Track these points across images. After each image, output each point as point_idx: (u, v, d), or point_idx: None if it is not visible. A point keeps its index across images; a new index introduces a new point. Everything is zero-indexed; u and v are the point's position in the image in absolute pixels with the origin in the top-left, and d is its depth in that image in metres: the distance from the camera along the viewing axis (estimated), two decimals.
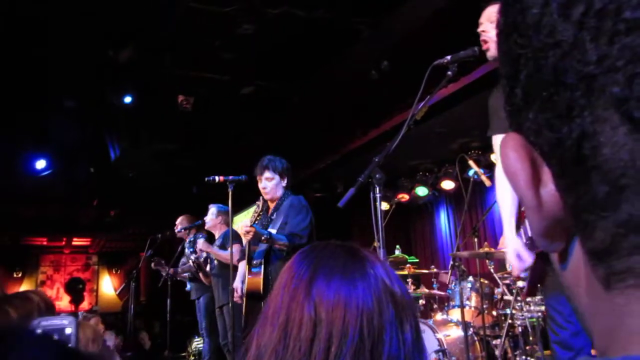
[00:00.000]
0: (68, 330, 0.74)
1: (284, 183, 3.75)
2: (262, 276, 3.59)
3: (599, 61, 0.25)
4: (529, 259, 2.01)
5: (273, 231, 3.56)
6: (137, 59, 5.40)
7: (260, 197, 3.82)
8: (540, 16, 0.27)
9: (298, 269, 0.80)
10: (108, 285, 12.91)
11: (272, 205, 3.81)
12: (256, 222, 3.69)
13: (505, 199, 2.24)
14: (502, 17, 0.31)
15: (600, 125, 0.26)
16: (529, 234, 2.10)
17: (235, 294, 3.94)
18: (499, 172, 2.43)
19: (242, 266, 4.01)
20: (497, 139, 2.35)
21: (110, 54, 5.37)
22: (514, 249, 2.08)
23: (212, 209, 5.33)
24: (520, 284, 2.02)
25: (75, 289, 12.50)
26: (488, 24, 2.26)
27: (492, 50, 2.24)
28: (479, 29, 2.31)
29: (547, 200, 0.30)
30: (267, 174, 3.70)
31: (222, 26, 4.92)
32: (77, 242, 12.50)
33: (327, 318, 0.75)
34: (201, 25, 4.90)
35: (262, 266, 3.61)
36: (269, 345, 0.76)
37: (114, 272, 12.96)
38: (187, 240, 5.75)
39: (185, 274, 5.77)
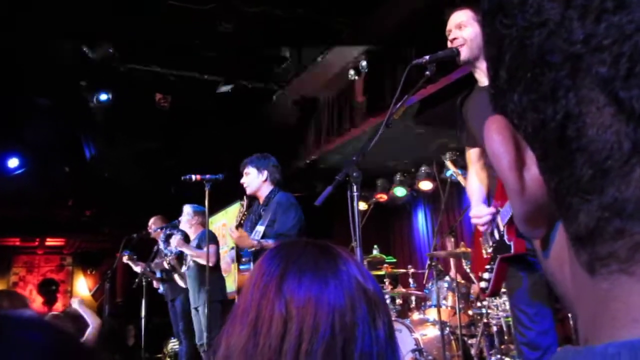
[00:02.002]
0: None
1: (263, 177, 3.79)
2: None
3: (585, 40, 0.24)
4: (487, 216, 2.26)
5: (261, 229, 3.59)
6: (114, 56, 5.31)
7: (245, 197, 3.83)
8: None
9: (268, 267, 0.79)
10: (83, 287, 12.67)
11: (261, 202, 3.83)
12: (242, 222, 3.68)
13: (474, 190, 2.44)
14: None
15: (586, 106, 0.25)
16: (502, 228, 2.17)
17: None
18: (470, 169, 2.52)
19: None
20: (467, 152, 2.52)
21: (86, 51, 5.27)
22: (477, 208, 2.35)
23: (187, 209, 5.18)
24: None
25: (48, 290, 12.24)
26: (457, 30, 2.26)
27: (464, 53, 2.23)
28: (449, 38, 2.31)
29: (530, 184, 0.29)
30: (246, 169, 3.81)
31: (201, 24, 4.88)
32: (51, 242, 12.23)
33: (298, 315, 0.73)
34: (179, 22, 4.85)
35: (251, 263, 3.63)
36: (238, 344, 0.74)
37: (88, 272, 12.72)
38: (161, 236, 5.62)
39: (158, 275, 5.67)
